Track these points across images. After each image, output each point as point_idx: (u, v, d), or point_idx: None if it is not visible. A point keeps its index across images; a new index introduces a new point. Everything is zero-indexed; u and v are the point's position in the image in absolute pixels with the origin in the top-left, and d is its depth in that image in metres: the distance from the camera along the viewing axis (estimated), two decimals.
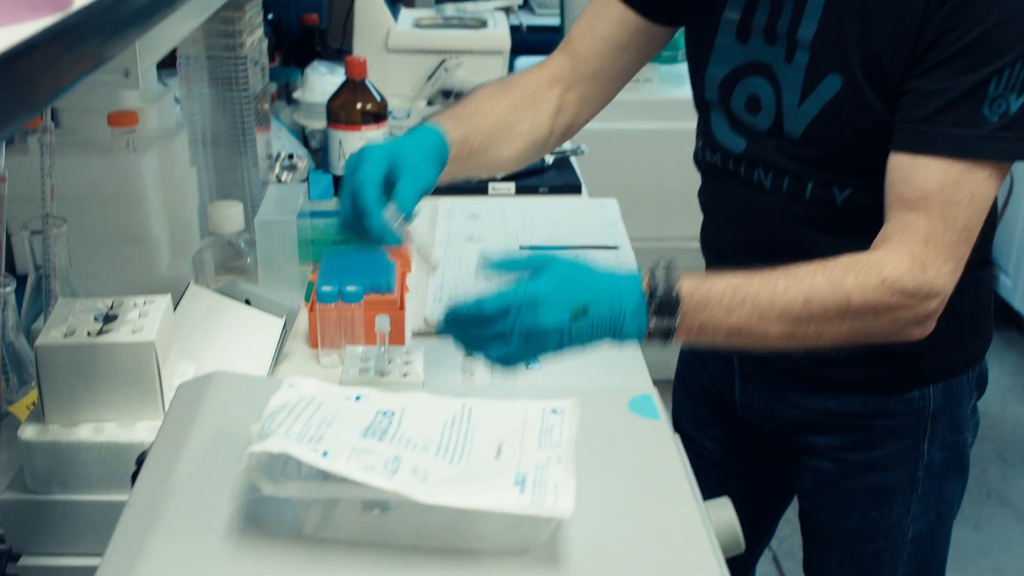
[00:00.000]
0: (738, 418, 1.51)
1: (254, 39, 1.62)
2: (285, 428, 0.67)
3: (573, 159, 2.27)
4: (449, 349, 1.51)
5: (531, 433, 0.72)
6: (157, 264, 1.52)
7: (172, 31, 0.98)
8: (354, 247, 1.64)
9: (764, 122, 1.26)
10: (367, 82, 2.00)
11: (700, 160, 1.40)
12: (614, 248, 1.85)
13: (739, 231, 1.37)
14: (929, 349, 1.31)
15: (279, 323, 1.40)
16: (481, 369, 1.39)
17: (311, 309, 1.50)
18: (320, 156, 2.14)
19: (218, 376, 0.82)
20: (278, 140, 1.94)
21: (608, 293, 1.10)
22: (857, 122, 1.19)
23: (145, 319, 0.95)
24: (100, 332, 0.94)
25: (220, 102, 1.62)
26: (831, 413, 1.39)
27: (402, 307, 1.54)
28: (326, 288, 1.45)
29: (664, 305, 1.09)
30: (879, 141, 1.18)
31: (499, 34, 2.37)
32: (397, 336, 1.54)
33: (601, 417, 0.80)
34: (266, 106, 1.75)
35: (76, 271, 1.50)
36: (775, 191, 1.28)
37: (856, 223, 1.23)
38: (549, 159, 2.22)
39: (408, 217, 1.17)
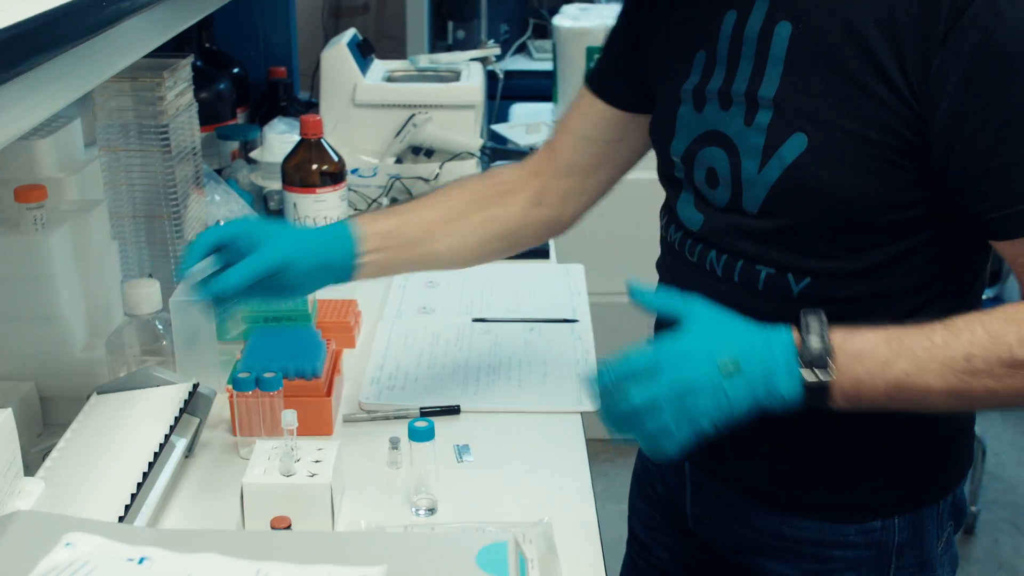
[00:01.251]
0: (690, 530, 1.39)
1: (181, 103, 1.54)
2: None
3: None
4: (377, 437, 1.43)
5: None
6: (71, 346, 1.44)
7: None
8: (285, 326, 1.56)
9: (723, 196, 1.16)
10: (323, 141, 1.91)
11: (663, 238, 1.30)
12: (573, 321, 1.75)
13: None
14: (894, 473, 1.20)
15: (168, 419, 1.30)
16: (407, 461, 1.29)
17: (231, 395, 1.40)
18: (278, 219, 2.06)
19: (21, 517, 0.73)
20: (226, 204, 1.86)
21: (758, 346, 1.02)
22: (821, 189, 1.07)
23: None
24: None
25: (143, 171, 1.54)
26: (785, 538, 1.26)
27: (329, 393, 1.44)
28: (243, 375, 1.36)
29: (817, 357, 1.01)
30: (842, 215, 1.08)
31: (470, 87, 2.28)
32: (323, 425, 1.44)
33: (440, 573, 0.69)
34: (200, 169, 1.67)
35: None
36: (726, 279, 1.17)
37: None
38: None
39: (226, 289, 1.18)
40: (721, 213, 1.16)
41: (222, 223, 1.68)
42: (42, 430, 1.45)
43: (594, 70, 1.39)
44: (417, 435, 1.25)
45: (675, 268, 1.26)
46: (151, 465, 1.17)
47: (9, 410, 0.91)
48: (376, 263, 1.30)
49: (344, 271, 1.28)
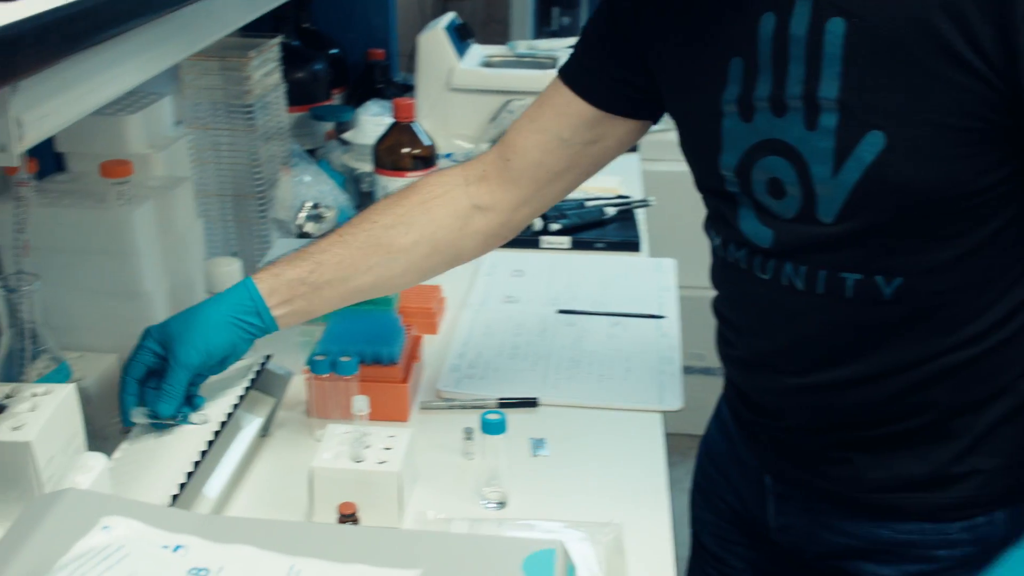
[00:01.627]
0: (770, 539, 1.34)
1: (268, 83, 1.53)
2: None
3: (639, 212, 2.13)
4: (453, 426, 1.41)
5: None
6: (152, 321, 1.43)
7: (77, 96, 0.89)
8: (366, 310, 1.55)
9: (791, 206, 1.08)
10: (415, 125, 1.90)
11: (720, 259, 1.21)
12: (660, 318, 1.70)
13: (770, 342, 1.18)
14: (998, 465, 1.14)
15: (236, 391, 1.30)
16: (480, 451, 1.27)
17: (307, 377, 1.40)
18: (370, 201, 2.05)
19: (68, 495, 0.72)
20: (316, 185, 1.85)
21: None
22: (906, 184, 1.01)
23: (33, 413, 0.86)
24: None
25: (231, 150, 1.54)
26: (883, 541, 1.20)
27: (405, 380, 1.43)
28: (319, 357, 1.36)
29: None
30: (930, 207, 1.02)
31: None
32: (398, 412, 1.43)
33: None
34: (287, 150, 1.66)
35: (70, 326, 1.43)
36: (809, 292, 1.10)
37: (914, 320, 1.07)
38: (611, 211, 2.09)
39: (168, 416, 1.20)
40: (792, 224, 1.09)
41: (307, 206, 1.67)
42: None
43: (571, 65, 1.28)
44: (490, 427, 1.23)
45: (744, 287, 1.17)
46: (210, 444, 1.16)
47: (73, 385, 0.90)
48: (294, 313, 1.27)
49: (265, 329, 1.26)
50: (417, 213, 1.29)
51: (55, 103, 0.88)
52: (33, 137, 0.84)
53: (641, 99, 1.24)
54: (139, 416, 1.22)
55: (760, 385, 1.23)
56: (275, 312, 1.25)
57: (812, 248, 1.09)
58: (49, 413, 0.86)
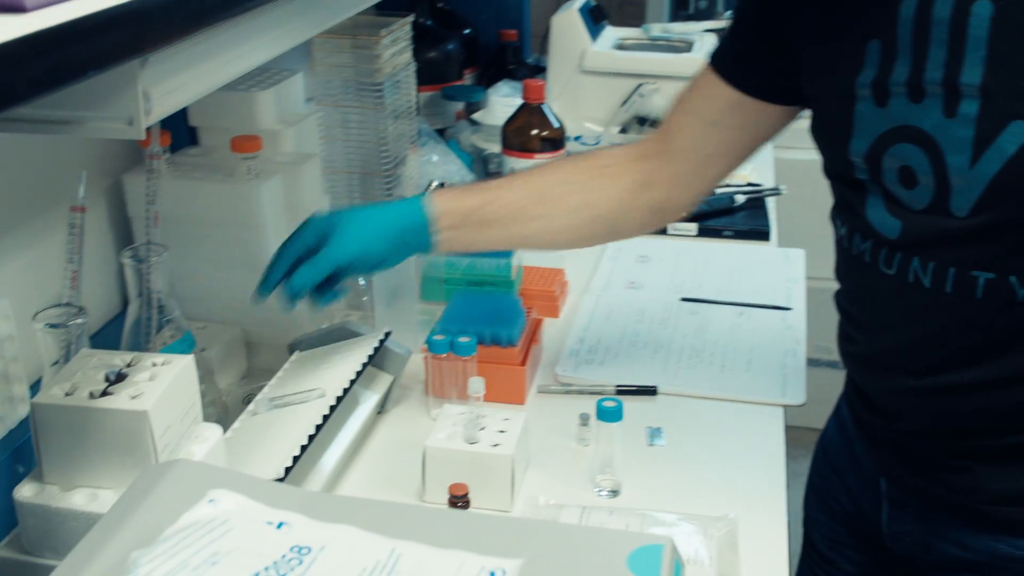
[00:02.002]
0: (886, 547, 1.29)
1: (398, 62, 1.53)
2: (157, 563, 0.57)
3: (769, 200, 2.09)
4: (570, 411, 1.40)
5: None
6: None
7: (206, 71, 0.89)
8: (487, 291, 1.55)
9: (923, 197, 1.03)
10: (544, 106, 1.89)
11: (845, 250, 1.17)
12: (786, 309, 1.66)
13: (893, 340, 1.13)
14: None
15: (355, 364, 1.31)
16: (595, 438, 1.25)
17: (425, 356, 1.40)
18: None
19: (180, 464, 0.73)
20: (444, 165, 1.86)
21: None
22: None
23: (151, 383, 0.87)
24: (103, 393, 0.87)
25: (360, 127, 1.55)
26: (1001, 556, 1.14)
27: (524, 363, 1.42)
28: (437, 337, 1.36)
29: None
30: None
31: (699, 59, 2.19)
32: (515, 394, 1.42)
33: (585, 572, 0.65)
34: (415, 129, 1.67)
35: (195, 296, 1.46)
36: (936, 290, 1.04)
37: None
38: (741, 199, 2.05)
39: (295, 297, 1.21)
40: (922, 216, 1.04)
41: (434, 184, 1.67)
42: (246, 373, 1.48)
43: (720, 50, 1.27)
44: (605, 415, 1.21)
45: (868, 282, 1.12)
46: (325, 418, 1.17)
47: (191, 357, 0.92)
48: (455, 241, 1.27)
49: (420, 248, 1.26)
50: (585, 179, 1.30)
51: (183, 77, 0.89)
52: (160, 111, 0.85)
53: (786, 84, 1.20)
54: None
55: (880, 385, 1.18)
56: (439, 236, 1.26)
57: (942, 242, 1.04)
58: (167, 383, 0.87)
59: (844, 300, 1.21)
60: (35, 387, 1.14)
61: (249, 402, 1.29)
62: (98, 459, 0.86)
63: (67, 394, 0.87)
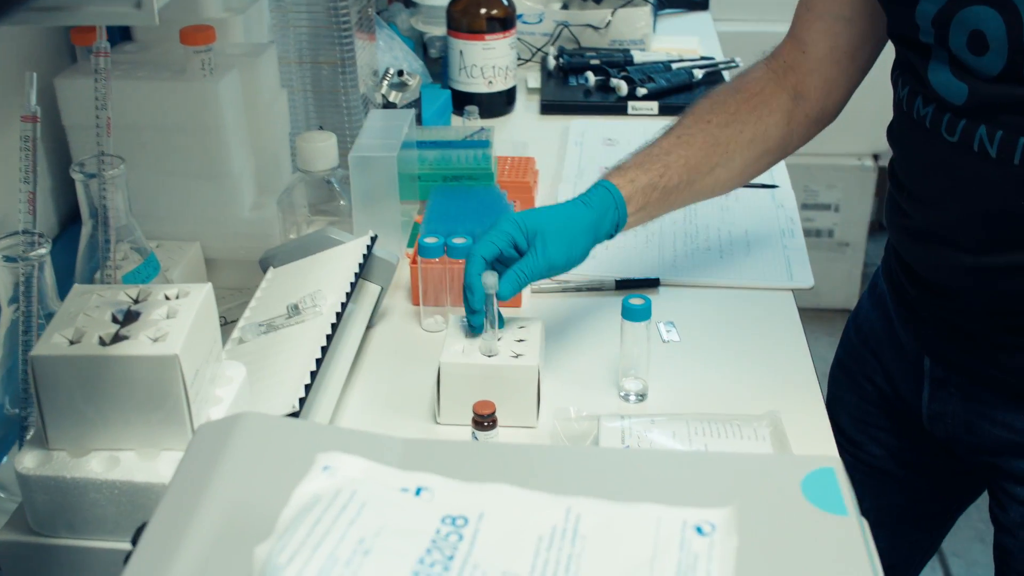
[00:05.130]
0: (922, 429, 1.24)
1: None
2: (302, 560, 0.45)
3: (726, 73, 1.99)
4: (570, 310, 1.30)
5: (664, 569, 0.48)
6: (239, 205, 1.31)
7: None
8: (467, 185, 1.42)
9: (994, 64, 0.94)
10: None
11: (904, 114, 1.08)
12: (773, 187, 1.58)
13: (950, 214, 1.05)
14: None
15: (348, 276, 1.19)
16: (618, 340, 1.15)
17: (413, 261, 1.28)
18: (439, 67, 1.91)
19: (245, 419, 0.60)
20: (389, 51, 1.71)
21: None
22: None
23: (172, 321, 0.74)
24: (115, 338, 0.73)
25: (310, 11, 1.39)
26: None
27: None
28: (429, 240, 1.23)
29: None
30: None
31: None
32: (514, 298, 1.31)
33: (759, 508, 0.55)
34: (370, 11, 1.51)
35: (147, 212, 1.31)
36: (1003, 161, 0.97)
37: None
38: (699, 73, 1.95)
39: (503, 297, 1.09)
40: (992, 84, 0.95)
41: (392, 72, 1.53)
42: None
43: None
44: (632, 314, 1.11)
45: (928, 150, 1.05)
46: (329, 339, 1.05)
47: (208, 285, 0.78)
48: (640, 219, 1.18)
49: (609, 235, 1.16)
50: (745, 111, 1.20)
51: None
52: None
53: None
54: (489, 285, 1.08)
55: (932, 261, 1.11)
56: (629, 220, 1.16)
57: (1013, 110, 0.95)
58: (191, 320, 0.74)
59: (899, 169, 1.13)
60: None
61: (223, 326, 1.15)
62: (116, 417, 0.73)
63: (72, 342, 0.73)
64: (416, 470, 0.55)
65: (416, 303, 1.30)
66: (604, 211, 1.13)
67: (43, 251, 0.96)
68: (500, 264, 1.11)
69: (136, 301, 0.78)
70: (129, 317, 0.75)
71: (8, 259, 0.94)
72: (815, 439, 1.09)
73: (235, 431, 0.60)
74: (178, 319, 0.74)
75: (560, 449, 0.57)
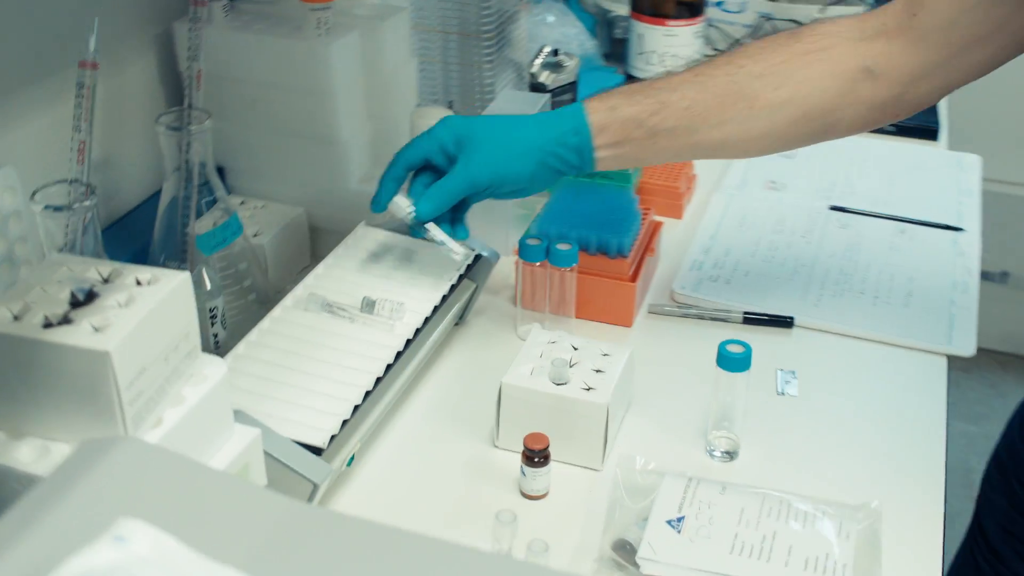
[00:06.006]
0: None
1: None
2: None
3: None
4: (686, 337, 1.16)
5: None
6: (346, 174, 1.23)
7: None
8: (597, 184, 1.29)
9: None
10: None
11: None
12: (958, 230, 1.38)
13: None
14: None
15: (448, 278, 1.09)
16: (714, 385, 1.01)
17: (516, 263, 1.16)
18: (622, 49, 1.77)
19: (123, 445, 0.52)
20: (560, 26, 1.59)
21: None
22: None
23: (124, 310, 0.65)
24: (63, 320, 0.65)
25: None
26: None
27: (635, 279, 1.17)
28: (532, 241, 1.12)
29: None
30: None
31: None
32: (621, 315, 1.18)
33: None
34: None
35: (253, 170, 1.25)
36: None
37: None
38: None
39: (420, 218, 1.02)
40: None
41: (547, 51, 1.41)
42: (308, 263, 1.27)
43: None
44: (728, 362, 0.97)
45: None
46: (398, 355, 0.96)
47: (186, 275, 0.69)
48: (618, 158, 1.02)
49: (574, 169, 1.02)
50: (795, 66, 1.00)
51: None
52: None
53: None
54: (399, 208, 1.02)
55: None
56: (598, 153, 1.02)
57: None
58: (144, 313, 0.65)
59: None
60: None
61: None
62: (49, 405, 0.65)
63: (15, 318, 0.66)
64: (243, 559, 0.44)
65: (516, 305, 1.19)
66: (558, 131, 0.98)
67: (89, 203, 0.89)
68: (432, 173, 1.02)
69: (106, 281, 0.69)
70: (88, 298, 0.67)
71: (52, 208, 0.89)
72: (919, 542, 0.92)
73: (106, 457, 0.51)
74: (131, 309, 0.66)
75: (453, 548, 0.45)
